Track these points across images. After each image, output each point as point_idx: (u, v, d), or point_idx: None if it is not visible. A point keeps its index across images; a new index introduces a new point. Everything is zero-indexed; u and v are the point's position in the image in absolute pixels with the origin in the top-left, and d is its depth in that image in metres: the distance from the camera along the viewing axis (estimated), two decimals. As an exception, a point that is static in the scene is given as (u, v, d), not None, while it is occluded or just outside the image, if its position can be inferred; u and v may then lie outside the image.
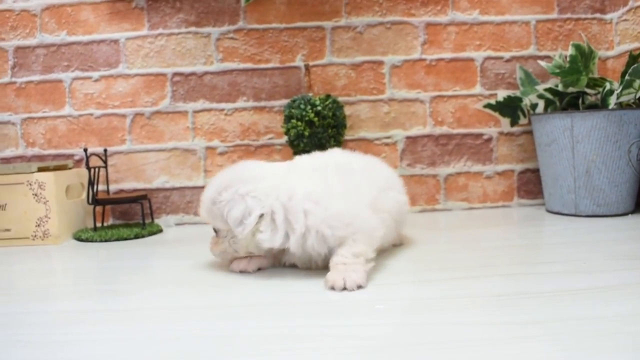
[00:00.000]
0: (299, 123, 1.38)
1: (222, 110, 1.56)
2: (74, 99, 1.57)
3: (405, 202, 1.10)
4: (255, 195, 0.91)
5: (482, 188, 1.58)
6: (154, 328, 0.71)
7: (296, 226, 0.89)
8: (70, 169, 1.53)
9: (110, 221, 1.58)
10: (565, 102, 1.43)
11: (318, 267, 0.95)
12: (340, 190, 0.95)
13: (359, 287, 0.84)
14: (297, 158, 1.09)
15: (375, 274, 0.92)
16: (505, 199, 1.58)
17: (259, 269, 0.99)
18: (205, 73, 1.55)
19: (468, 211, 1.56)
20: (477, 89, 1.56)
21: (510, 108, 1.54)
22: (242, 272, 0.98)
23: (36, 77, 1.57)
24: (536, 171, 1.57)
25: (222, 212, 0.93)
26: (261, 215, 0.91)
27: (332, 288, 0.84)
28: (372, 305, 0.77)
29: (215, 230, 1.00)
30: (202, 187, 1.54)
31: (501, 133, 1.57)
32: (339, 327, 0.69)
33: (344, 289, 0.83)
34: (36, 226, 1.38)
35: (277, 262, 1.01)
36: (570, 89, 1.39)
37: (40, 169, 1.40)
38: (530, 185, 1.58)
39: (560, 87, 1.40)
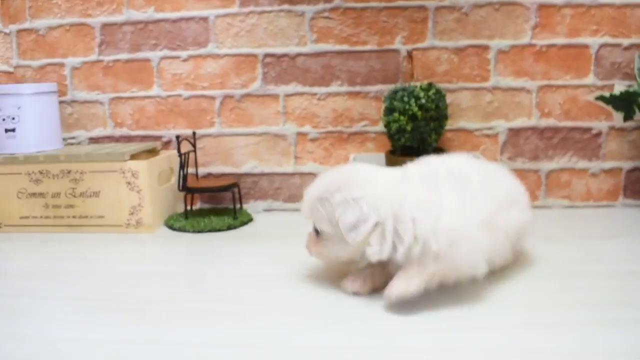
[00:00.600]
0: (402, 117, 1.30)
1: (315, 94, 1.49)
2: (162, 79, 1.53)
3: (528, 222, 1.01)
4: (371, 202, 0.85)
5: (585, 185, 1.48)
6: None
7: (405, 237, 0.84)
8: (159, 152, 1.50)
9: (198, 204, 1.57)
10: (695, 100, 1.30)
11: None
12: (452, 202, 0.88)
13: (400, 298, 0.82)
14: (410, 164, 1.02)
15: (458, 309, 0.86)
16: (609, 198, 1.49)
17: (374, 291, 0.93)
18: (298, 55, 1.48)
19: (569, 210, 1.48)
20: (590, 79, 1.44)
21: (625, 102, 1.42)
22: (354, 294, 0.91)
23: (124, 56, 1.53)
24: (647, 169, 1.47)
25: (331, 215, 0.88)
26: (376, 224, 0.85)
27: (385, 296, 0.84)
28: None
29: (317, 230, 0.93)
30: (292, 174, 1.51)
31: (612, 128, 1.46)
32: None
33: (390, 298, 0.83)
34: (129, 214, 1.37)
35: (389, 278, 0.96)
36: None
37: (132, 156, 1.37)
38: (638, 185, 1.48)
39: (691, 84, 1.27)
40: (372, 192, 0.86)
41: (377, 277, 0.93)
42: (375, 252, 0.85)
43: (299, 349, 0.74)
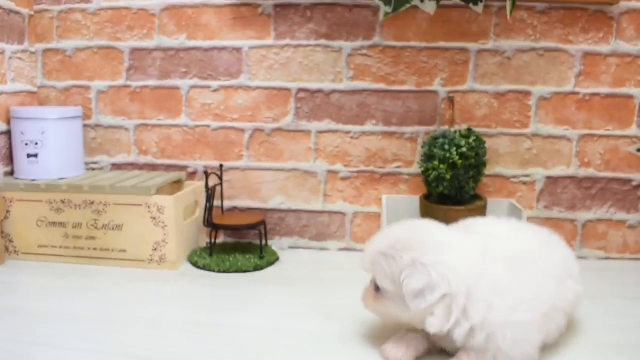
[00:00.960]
0: (442, 165, 1.25)
1: (349, 132, 1.44)
2: (190, 109, 1.48)
3: (581, 294, 0.96)
4: (443, 271, 0.79)
5: (622, 238, 1.44)
6: None
7: (474, 318, 0.79)
8: (183, 183, 1.46)
9: (222, 238, 1.52)
10: None
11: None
12: (530, 292, 0.83)
13: None
14: (473, 227, 0.97)
15: None
16: (646, 251, 1.44)
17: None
18: (333, 91, 1.43)
19: (604, 261, 1.43)
20: (633, 130, 1.40)
21: (669, 155, 1.38)
22: None
23: (152, 82, 1.48)
24: (686, 224, 1.42)
25: (396, 275, 0.82)
26: (444, 296, 0.79)
27: None
28: None
29: (376, 286, 0.87)
30: (320, 212, 1.46)
31: (653, 180, 1.42)
32: None
33: None
34: (153, 250, 1.32)
35: (432, 346, 0.92)
36: None
37: (159, 191, 1.33)
38: (676, 238, 1.43)
39: None
40: (445, 260, 0.81)
41: (421, 344, 0.89)
42: (437, 325, 0.80)
43: None
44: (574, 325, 1.02)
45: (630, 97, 1.39)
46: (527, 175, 1.43)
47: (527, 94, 1.40)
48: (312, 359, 0.91)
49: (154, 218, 1.31)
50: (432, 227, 0.89)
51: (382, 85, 1.42)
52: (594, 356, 0.93)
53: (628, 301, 1.18)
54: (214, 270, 1.32)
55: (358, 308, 0.93)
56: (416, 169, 1.41)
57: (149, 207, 1.31)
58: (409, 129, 1.43)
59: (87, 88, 1.52)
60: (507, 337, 0.78)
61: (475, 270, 0.81)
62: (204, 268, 1.33)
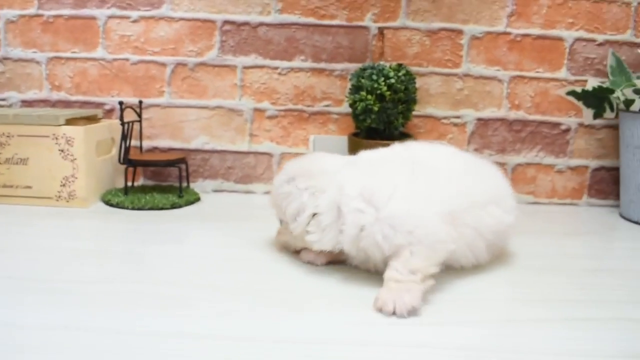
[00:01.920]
0: (369, 96, 1.21)
1: (276, 68, 1.38)
2: (108, 41, 1.38)
3: (509, 225, 0.92)
4: (313, 192, 0.85)
5: (551, 182, 1.43)
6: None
7: (345, 227, 0.80)
8: (99, 120, 1.36)
9: (141, 181, 1.43)
10: (667, 100, 1.26)
11: (378, 270, 0.81)
12: (405, 189, 0.81)
13: (411, 311, 0.72)
14: (381, 150, 0.94)
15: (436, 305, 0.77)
16: (573, 197, 1.44)
17: (330, 263, 0.89)
18: (261, 24, 1.36)
19: (533, 206, 1.42)
20: (563, 73, 1.39)
21: (596, 99, 1.38)
22: (309, 263, 0.90)
23: (66, 11, 1.38)
24: (612, 170, 1.43)
25: (282, 204, 0.87)
26: (314, 215, 0.83)
27: (380, 310, 0.72)
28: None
29: (280, 220, 0.93)
30: (246, 153, 1.40)
31: (581, 125, 1.41)
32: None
33: (393, 313, 0.71)
34: (61, 186, 1.23)
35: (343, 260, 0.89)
36: (679, 87, 1.23)
37: (69, 121, 1.23)
38: (603, 184, 1.44)
39: (665, 83, 1.24)
40: (315, 183, 0.85)
41: (334, 254, 0.87)
42: (315, 241, 0.83)
43: (238, 339, 0.64)
44: (501, 256, 0.99)
45: (560, 39, 1.38)
46: (458, 117, 1.40)
47: (459, 32, 1.37)
48: (229, 278, 0.85)
49: (62, 151, 1.22)
50: (321, 157, 0.95)
51: (311, 19, 1.36)
52: (516, 276, 0.91)
53: (554, 235, 1.17)
54: (127, 208, 1.23)
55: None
56: (346, 107, 1.36)
57: (56, 138, 1.21)
58: (338, 66, 1.37)
59: (-5, 17, 1.39)
60: (387, 231, 0.77)
61: (339, 184, 0.83)
62: (117, 206, 1.24)
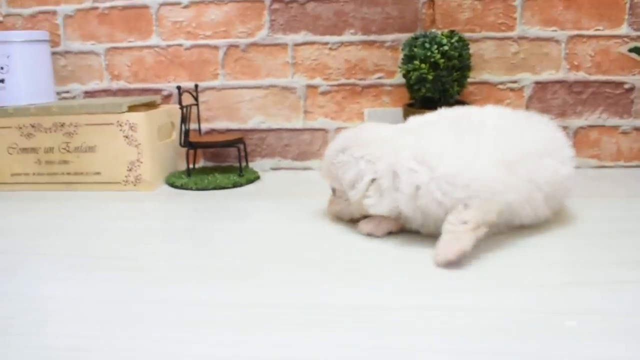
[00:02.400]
0: (423, 65, 1.19)
1: (326, 44, 1.38)
2: (161, 28, 1.42)
3: (567, 176, 0.91)
4: (370, 159, 0.87)
5: (616, 144, 1.38)
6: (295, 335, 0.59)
7: (401, 187, 0.82)
8: (158, 105, 1.40)
9: (201, 163, 1.47)
10: None
11: (439, 231, 0.81)
12: (455, 146, 0.83)
13: (460, 256, 0.75)
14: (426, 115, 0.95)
15: (494, 267, 0.77)
16: (640, 158, 1.39)
17: (389, 233, 0.90)
18: (308, 0, 1.36)
19: (598, 170, 1.38)
20: (624, 29, 1.33)
21: (662, 53, 1.31)
22: (369, 235, 0.89)
23: (120, 2, 1.42)
24: (681, 127, 1.36)
25: (337, 173, 0.90)
26: (373, 180, 0.86)
27: (436, 263, 0.76)
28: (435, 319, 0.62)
29: (333, 190, 0.96)
30: (301, 130, 1.41)
31: (646, 82, 1.35)
32: None
33: (445, 263, 0.75)
34: (128, 170, 1.28)
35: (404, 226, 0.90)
36: None
37: (131, 108, 1.27)
38: (672, 143, 1.38)
39: None
40: (370, 151, 0.87)
41: (393, 223, 0.89)
42: (373, 205, 0.86)
43: (312, 307, 0.66)
44: (569, 218, 0.98)
45: (620, -7, 1.32)
46: (514, 81, 1.37)
47: (512, -6, 1.33)
48: (293, 251, 0.87)
49: (127, 137, 1.26)
50: (369, 126, 0.97)
51: (359, -8, 1.35)
52: (582, 239, 0.89)
53: (620, 198, 1.13)
54: (191, 189, 1.27)
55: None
56: (399, 78, 1.35)
57: (120, 125, 1.26)
58: (389, 37, 1.36)
59: (54, 13, 1.45)
60: (444, 187, 0.79)
61: (393, 149, 0.85)
62: (181, 187, 1.28)
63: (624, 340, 0.56)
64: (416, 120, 0.94)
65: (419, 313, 0.63)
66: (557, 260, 0.79)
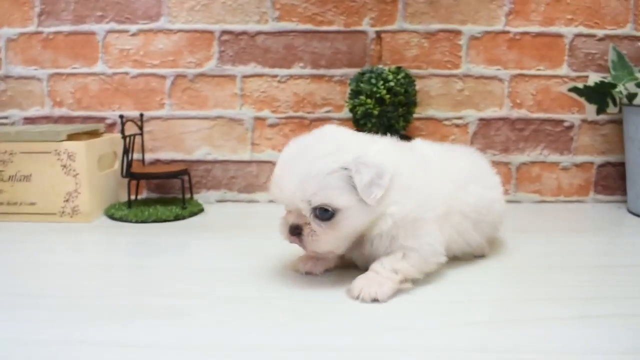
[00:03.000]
0: (368, 100, 1.20)
1: (275, 76, 1.38)
2: (107, 55, 1.39)
3: (496, 200, 0.92)
4: (378, 157, 0.76)
5: (556, 180, 1.42)
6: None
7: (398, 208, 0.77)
8: (101, 134, 1.37)
9: (144, 194, 1.43)
10: (670, 93, 1.25)
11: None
12: (430, 191, 0.80)
13: (374, 300, 0.74)
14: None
15: (421, 304, 0.77)
16: (580, 194, 1.43)
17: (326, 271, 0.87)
18: (258, 33, 1.37)
19: (540, 205, 1.41)
20: (564, 70, 1.38)
21: (599, 94, 1.37)
22: (307, 274, 0.86)
23: (66, 28, 1.38)
24: (618, 165, 1.41)
25: (344, 180, 0.74)
26: (392, 177, 0.76)
27: (350, 293, 0.76)
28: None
29: (320, 214, 0.75)
30: (248, 162, 1.39)
31: (584, 121, 1.40)
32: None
33: (357, 298, 0.74)
34: (64, 201, 1.23)
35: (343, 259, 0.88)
36: (682, 80, 1.21)
37: (70, 137, 1.23)
38: (609, 180, 1.42)
39: (668, 76, 1.22)
40: (368, 152, 0.76)
41: (331, 258, 0.87)
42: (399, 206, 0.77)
43: (245, 349, 0.63)
44: (504, 253, 0.99)
45: (560, 35, 1.37)
46: (459, 118, 1.39)
47: (458, 33, 1.36)
48: (231, 288, 0.84)
49: (65, 166, 1.22)
50: (337, 130, 0.83)
51: (309, 26, 1.36)
52: (522, 274, 0.90)
53: (560, 233, 1.16)
54: (131, 221, 1.23)
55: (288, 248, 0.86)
56: (347, 113, 1.35)
57: (58, 154, 1.21)
58: (338, 72, 1.37)
59: (-5, 36, 1.41)
60: (409, 233, 0.77)
61: (395, 157, 0.78)
62: (120, 219, 1.24)
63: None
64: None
65: (345, 354, 0.61)
66: (487, 297, 0.79)
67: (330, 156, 0.74)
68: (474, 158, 0.98)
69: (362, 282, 0.76)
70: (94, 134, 1.35)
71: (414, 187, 0.78)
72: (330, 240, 0.77)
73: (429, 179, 0.82)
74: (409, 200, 0.77)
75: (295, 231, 0.77)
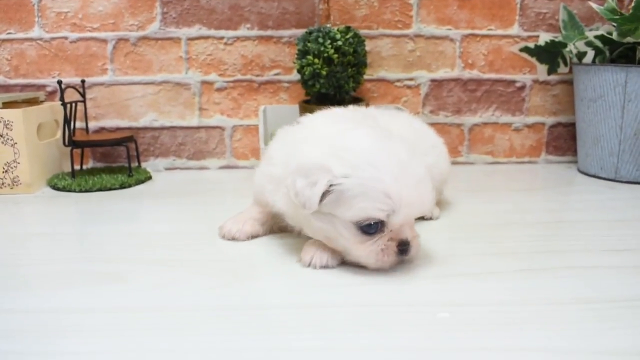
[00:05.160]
0: (316, 60, 1.17)
1: (222, 38, 1.33)
2: (44, 19, 1.32)
3: (433, 165, 0.88)
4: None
5: (509, 141, 1.42)
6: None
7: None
8: (41, 102, 1.31)
9: (90, 164, 1.38)
10: (617, 53, 1.25)
11: None
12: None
13: (324, 267, 0.72)
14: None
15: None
16: (532, 154, 1.43)
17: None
18: (203, -7, 1.32)
19: (492, 166, 1.41)
20: (515, 30, 1.37)
21: (550, 54, 1.36)
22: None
23: (-3, -11, 1.31)
24: (569, 126, 1.42)
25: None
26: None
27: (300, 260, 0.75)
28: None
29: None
30: (197, 128, 1.35)
31: (536, 81, 1.40)
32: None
33: (309, 265, 0.73)
34: (3, 172, 1.18)
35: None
36: (628, 39, 1.21)
37: (6, 104, 1.17)
38: (560, 141, 1.43)
39: (614, 36, 1.22)
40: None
41: (260, 225, 0.87)
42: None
43: (188, 310, 0.61)
44: (457, 213, 1.00)
45: (510, -6, 1.35)
46: (411, 79, 1.37)
47: (408, -8, 1.34)
48: (171, 252, 0.81)
49: (1, 135, 1.16)
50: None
51: (255, -14, 1.31)
52: (472, 232, 0.90)
53: (511, 193, 1.16)
54: (74, 191, 1.19)
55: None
56: (297, 75, 1.32)
57: (-7, 122, 1.16)
58: (286, 32, 1.33)
59: None
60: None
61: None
62: (63, 189, 1.20)
63: (497, 330, 0.56)
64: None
65: (294, 311, 0.60)
66: (434, 254, 0.78)
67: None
68: (411, 122, 0.97)
69: (312, 248, 0.74)
70: (33, 102, 1.29)
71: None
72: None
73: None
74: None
75: (405, 247, 0.70)
